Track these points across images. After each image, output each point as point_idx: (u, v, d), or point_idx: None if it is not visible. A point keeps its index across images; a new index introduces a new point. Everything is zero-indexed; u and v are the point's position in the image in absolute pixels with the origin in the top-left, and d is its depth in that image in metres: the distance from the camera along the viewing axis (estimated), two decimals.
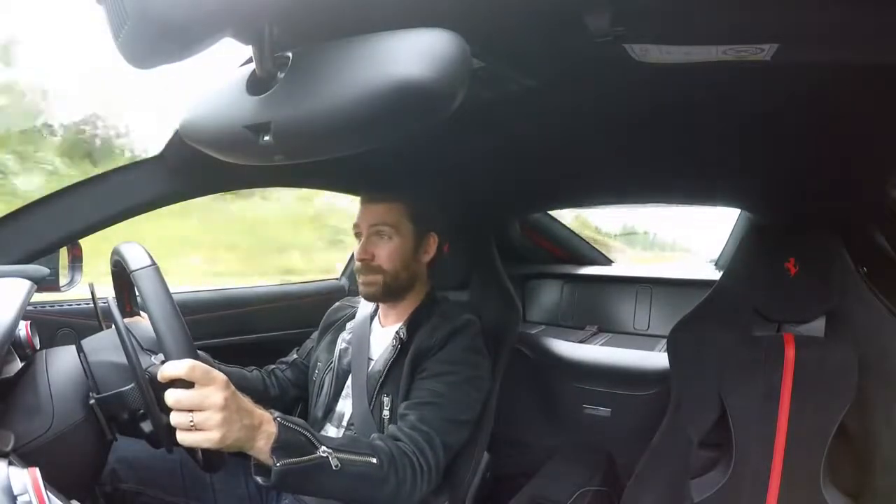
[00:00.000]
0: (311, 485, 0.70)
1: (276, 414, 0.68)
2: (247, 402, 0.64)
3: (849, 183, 0.96)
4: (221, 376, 0.61)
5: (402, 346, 0.92)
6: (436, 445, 0.81)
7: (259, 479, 0.67)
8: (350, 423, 0.94)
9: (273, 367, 1.09)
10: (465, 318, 0.94)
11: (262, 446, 0.64)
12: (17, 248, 0.82)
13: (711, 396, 1.02)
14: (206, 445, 0.60)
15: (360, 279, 0.94)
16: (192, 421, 0.59)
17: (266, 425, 0.65)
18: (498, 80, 0.65)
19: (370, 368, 0.95)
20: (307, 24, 0.50)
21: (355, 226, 0.96)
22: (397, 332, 0.94)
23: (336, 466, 0.69)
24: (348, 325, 1.04)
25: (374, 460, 0.74)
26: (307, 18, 0.51)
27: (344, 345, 1.01)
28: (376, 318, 1.02)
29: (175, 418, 0.59)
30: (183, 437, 0.59)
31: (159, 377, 0.60)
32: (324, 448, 0.69)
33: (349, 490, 0.73)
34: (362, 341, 0.98)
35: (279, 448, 0.65)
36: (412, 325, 0.94)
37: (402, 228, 0.93)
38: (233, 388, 0.62)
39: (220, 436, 0.59)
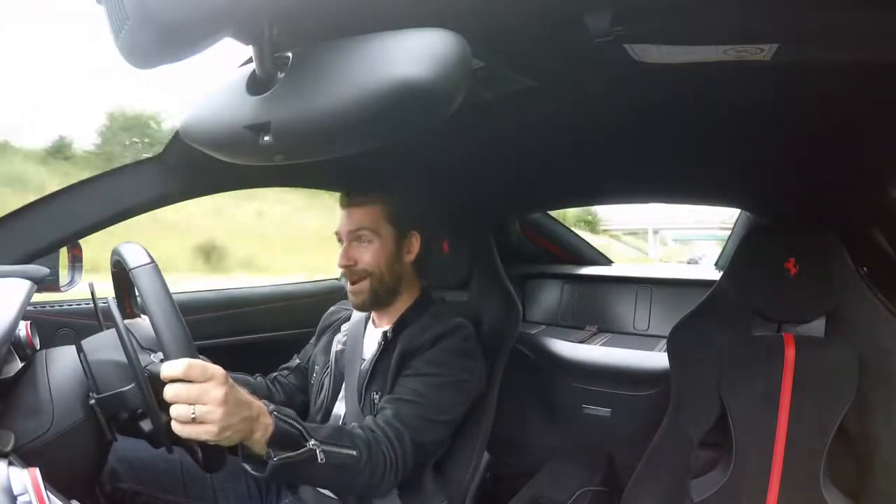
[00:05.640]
0: (298, 475, 0.79)
1: (271, 406, 0.69)
2: (244, 393, 0.65)
3: (849, 183, 0.96)
4: (220, 371, 0.61)
5: (386, 345, 0.93)
6: (405, 442, 0.82)
7: (248, 467, 0.67)
8: (344, 424, 0.94)
9: (275, 374, 1.09)
10: (456, 322, 0.94)
11: (258, 438, 0.65)
12: (17, 248, 0.82)
13: (711, 396, 1.02)
14: (205, 438, 0.60)
15: (348, 288, 0.95)
16: (193, 413, 0.59)
17: (263, 417, 0.66)
18: (498, 80, 0.65)
19: (361, 367, 0.95)
20: (307, 24, 0.50)
21: (337, 233, 0.95)
22: (385, 332, 0.94)
23: (322, 460, 0.71)
24: (343, 327, 1.04)
25: (354, 452, 0.76)
26: (307, 18, 0.51)
27: (339, 346, 1.01)
28: (371, 320, 1.02)
29: (175, 411, 0.59)
30: (182, 430, 0.59)
31: (161, 377, 0.60)
32: (313, 441, 0.71)
33: (329, 479, 0.79)
34: (356, 342, 0.98)
35: (275, 443, 0.66)
36: (400, 324, 0.95)
37: (382, 231, 0.93)
38: (231, 381, 0.62)
39: (219, 429, 0.60)
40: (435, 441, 0.89)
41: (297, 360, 1.11)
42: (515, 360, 1.20)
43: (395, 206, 0.94)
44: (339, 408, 0.97)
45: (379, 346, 0.93)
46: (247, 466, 0.67)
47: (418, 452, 0.85)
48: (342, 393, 0.97)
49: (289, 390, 1.06)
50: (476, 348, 0.95)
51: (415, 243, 0.97)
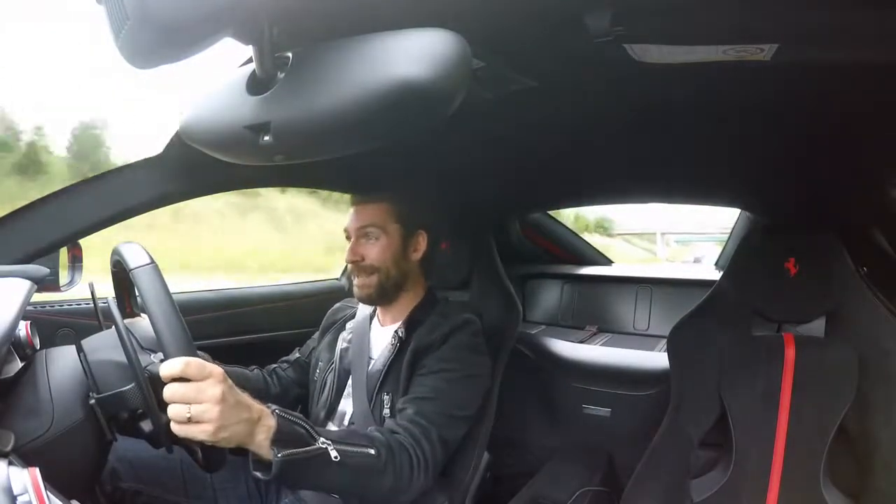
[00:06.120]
0: (312, 477, 0.70)
1: (275, 407, 0.68)
2: (245, 396, 0.64)
3: (849, 183, 0.96)
4: (218, 370, 0.61)
5: (400, 345, 0.93)
6: (432, 439, 0.81)
7: (258, 474, 0.67)
8: (351, 423, 0.94)
9: (274, 366, 1.09)
10: (465, 317, 0.94)
11: (261, 440, 0.64)
12: (17, 248, 0.81)
13: (711, 396, 1.02)
14: (201, 438, 0.60)
15: (355, 281, 0.95)
16: (189, 413, 0.58)
17: (265, 419, 0.65)
18: (498, 80, 0.65)
19: (370, 367, 0.95)
20: (307, 24, 0.50)
21: (345, 230, 0.97)
22: (396, 332, 0.94)
23: (335, 458, 0.69)
24: (348, 325, 1.05)
25: (373, 451, 0.74)
26: (307, 18, 0.51)
27: (344, 344, 1.01)
28: (375, 317, 1.02)
29: (172, 410, 0.59)
30: (179, 429, 0.59)
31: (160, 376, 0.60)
32: (323, 439, 0.70)
33: (349, 482, 0.74)
34: (362, 341, 0.98)
35: (279, 440, 0.65)
36: (411, 323, 0.95)
37: (389, 228, 0.94)
38: (230, 382, 0.62)
39: (215, 428, 0.59)
40: (457, 438, 0.89)
41: (297, 354, 1.11)
42: (515, 360, 1.20)
43: (403, 204, 0.95)
44: (345, 405, 0.97)
45: (393, 348, 0.93)
46: (258, 475, 0.66)
47: (446, 449, 0.84)
48: (347, 391, 0.97)
49: (285, 383, 1.06)
50: (484, 344, 0.96)
51: (422, 242, 0.97)
